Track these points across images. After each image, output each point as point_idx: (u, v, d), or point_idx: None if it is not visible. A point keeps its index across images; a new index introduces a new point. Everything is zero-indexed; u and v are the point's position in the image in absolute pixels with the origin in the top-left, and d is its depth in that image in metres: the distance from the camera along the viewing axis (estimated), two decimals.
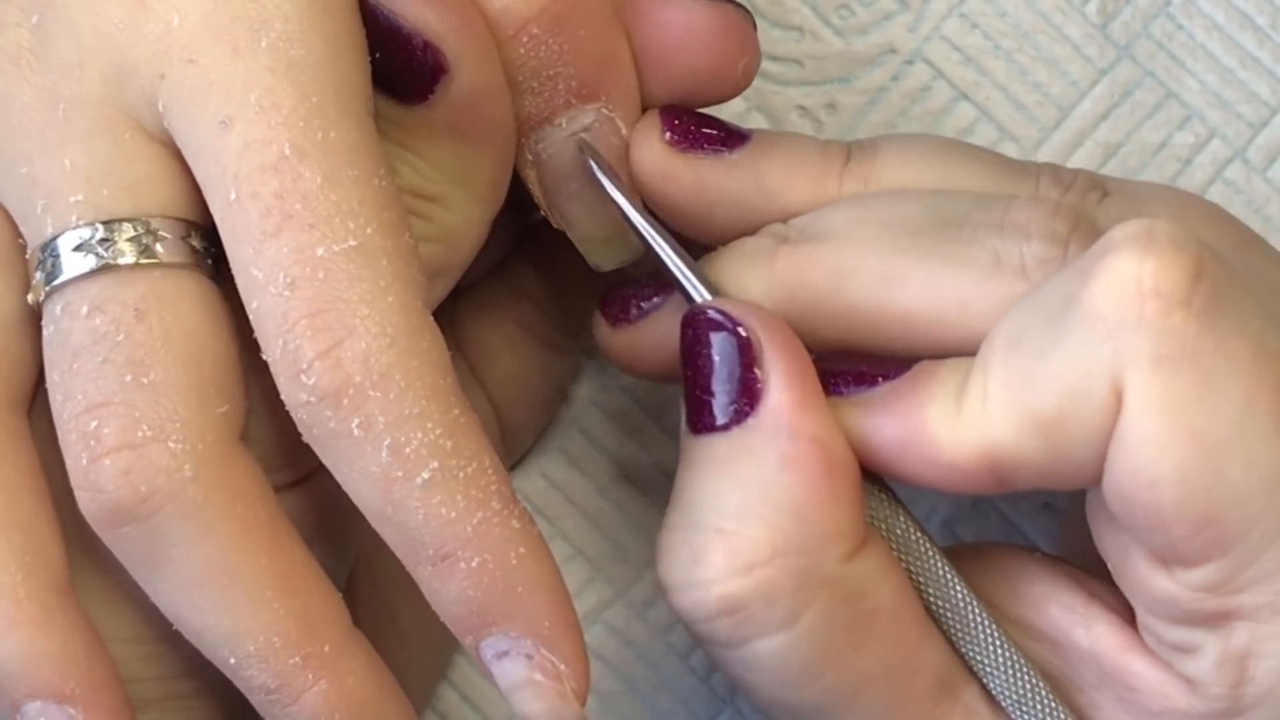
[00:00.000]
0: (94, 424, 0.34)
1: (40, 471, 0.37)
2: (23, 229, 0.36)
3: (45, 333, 0.35)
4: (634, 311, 0.39)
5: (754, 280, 0.38)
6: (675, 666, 0.46)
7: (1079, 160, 0.46)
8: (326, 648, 0.35)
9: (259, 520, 0.35)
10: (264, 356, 0.35)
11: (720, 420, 0.36)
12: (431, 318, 0.35)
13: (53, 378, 0.35)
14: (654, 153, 0.39)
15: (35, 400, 0.37)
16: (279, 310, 0.34)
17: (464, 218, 0.38)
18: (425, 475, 0.34)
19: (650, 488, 0.46)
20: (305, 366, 0.34)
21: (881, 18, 0.46)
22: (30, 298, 0.36)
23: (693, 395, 0.37)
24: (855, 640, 0.36)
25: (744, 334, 0.36)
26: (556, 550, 0.45)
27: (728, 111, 0.46)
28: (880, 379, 0.37)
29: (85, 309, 0.35)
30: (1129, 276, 0.34)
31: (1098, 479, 0.34)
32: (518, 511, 0.35)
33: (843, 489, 0.36)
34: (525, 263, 0.44)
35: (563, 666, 0.36)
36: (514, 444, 0.45)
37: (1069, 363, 0.34)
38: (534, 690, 0.36)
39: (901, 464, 0.36)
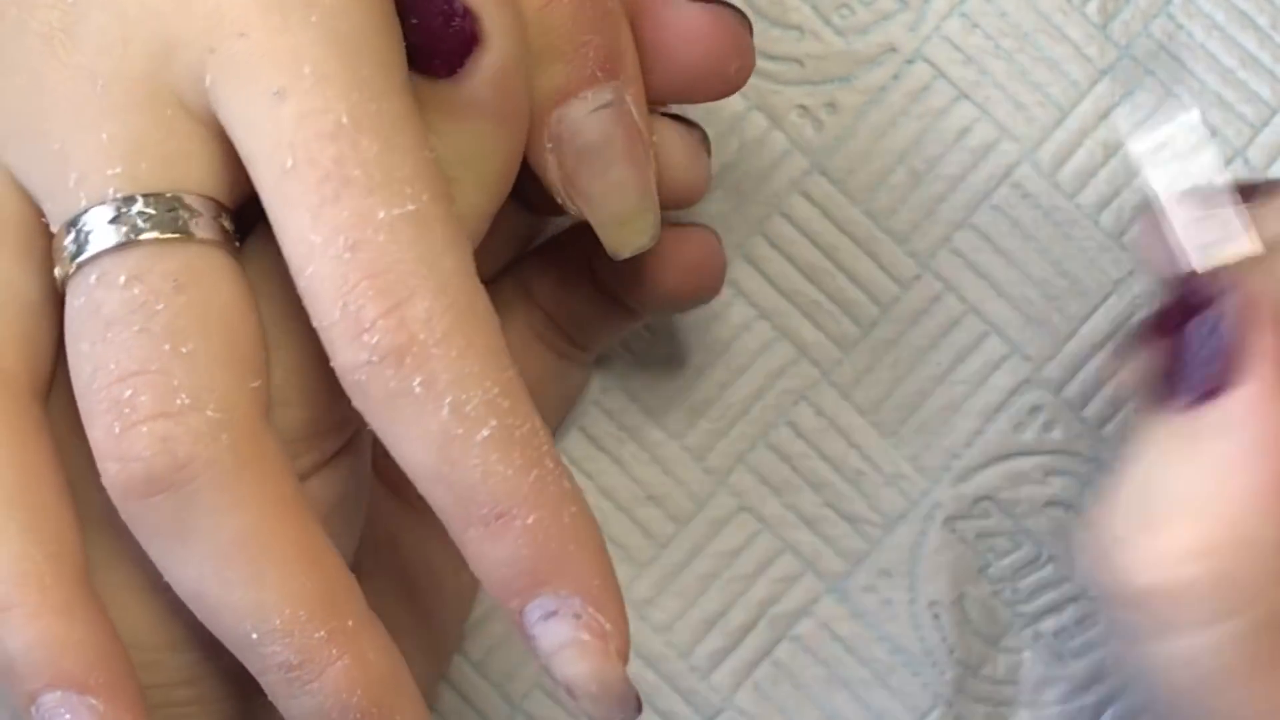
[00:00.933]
0: (128, 392, 0.34)
1: (59, 463, 0.36)
2: (48, 206, 0.36)
3: (73, 305, 0.35)
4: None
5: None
6: (676, 665, 0.46)
7: (1079, 160, 0.46)
8: (350, 622, 0.35)
9: (288, 495, 0.35)
10: (316, 323, 0.34)
11: (1192, 397, 0.35)
12: (481, 284, 0.35)
13: (80, 349, 0.35)
14: None
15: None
16: (339, 273, 0.34)
17: (468, 206, 0.37)
18: (485, 433, 0.34)
19: (651, 488, 0.46)
20: (368, 326, 0.34)
21: (882, 17, 0.46)
22: (58, 271, 0.35)
23: (1172, 368, 0.36)
24: None
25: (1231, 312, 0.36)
26: None
27: (728, 109, 0.46)
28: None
29: (123, 278, 0.34)
30: None
31: None
32: (567, 474, 0.35)
33: None
34: (536, 272, 0.44)
35: (608, 626, 0.35)
36: None
37: None
38: (579, 650, 0.35)
39: None
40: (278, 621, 0.34)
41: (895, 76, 0.46)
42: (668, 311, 0.45)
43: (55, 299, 0.36)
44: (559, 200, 0.39)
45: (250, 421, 0.35)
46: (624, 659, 0.35)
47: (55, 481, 0.36)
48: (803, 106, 0.47)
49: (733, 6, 0.39)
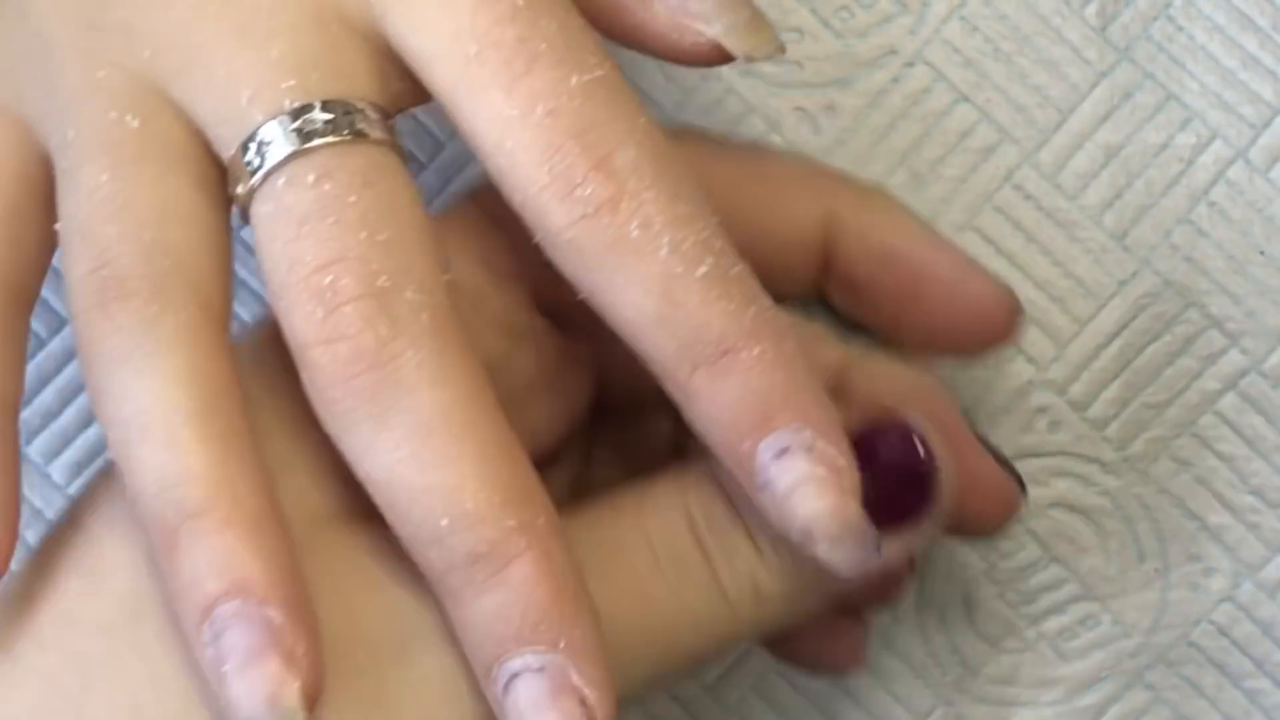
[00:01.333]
0: (329, 279, 0.34)
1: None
2: (219, 131, 0.36)
3: (261, 212, 0.35)
4: None
5: None
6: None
7: (1080, 161, 0.46)
8: (540, 519, 0.35)
9: (484, 381, 0.35)
10: (519, 198, 0.35)
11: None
12: None
13: (274, 250, 0.35)
14: None
15: None
16: (542, 139, 0.35)
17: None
18: (703, 269, 0.35)
19: None
20: (580, 180, 0.35)
21: (881, 20, 0.46)
22: (240, 189, 0.36)
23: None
24: None
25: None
26: None
27: (727, 111, 0.46)
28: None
29: (312, 177, 0.35)
30: None
31: None
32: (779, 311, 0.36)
33: None
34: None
35: (841, 460, 0.35)
36: None
37: None
38: (817, 486, 0.35)
39: None
40: (470, 505, 0.34)
41: (895, 79, 0.46)
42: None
43: (227, 229, 0.36)
44: (678, 44, 0.38)
45: (446, 305, 0.35)
46: (858, 497, 0.35)
47: (243, 407, 0.36)
48: (801, 109, 0.46)
49: (1020, 481, 0.41)
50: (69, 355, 0.45)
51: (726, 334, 0.35)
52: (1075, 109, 0.46)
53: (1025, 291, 0.46)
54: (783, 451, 0.35)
